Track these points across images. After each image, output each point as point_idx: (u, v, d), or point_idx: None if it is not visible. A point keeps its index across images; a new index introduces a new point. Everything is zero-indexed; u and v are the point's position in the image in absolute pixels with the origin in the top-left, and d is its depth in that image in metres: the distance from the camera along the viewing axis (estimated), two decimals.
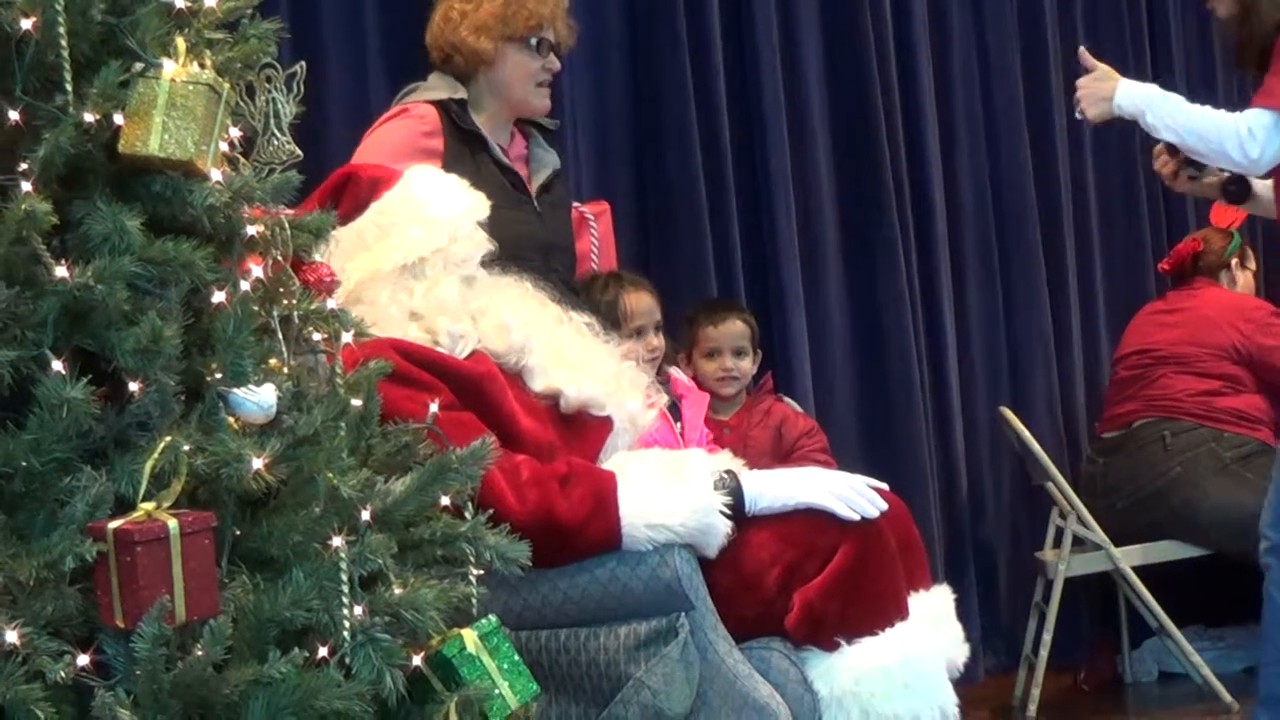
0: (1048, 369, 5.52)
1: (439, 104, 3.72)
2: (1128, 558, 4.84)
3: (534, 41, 3.79)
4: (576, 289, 3.82)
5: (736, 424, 4.36)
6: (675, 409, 3.81)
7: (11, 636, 1.91)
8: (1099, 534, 4.85)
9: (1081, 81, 3.83)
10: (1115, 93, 3.73)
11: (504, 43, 3.74)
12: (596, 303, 3.84)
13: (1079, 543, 4.90)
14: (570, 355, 3.05)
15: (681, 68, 4.71)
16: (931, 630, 2.92)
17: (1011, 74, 5.54)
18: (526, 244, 3.51)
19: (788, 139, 4.91)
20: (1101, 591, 5.23)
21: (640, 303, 4.05)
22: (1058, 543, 4.97)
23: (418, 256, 2.98)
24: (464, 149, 3.63)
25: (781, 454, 4.29)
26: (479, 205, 3.11)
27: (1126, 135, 5.63)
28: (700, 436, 3.79)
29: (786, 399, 4.56)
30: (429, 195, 3.06)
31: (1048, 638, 4.86)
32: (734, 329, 4.39)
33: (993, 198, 5.48)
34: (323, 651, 2.13)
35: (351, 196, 2.99)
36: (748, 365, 4.40)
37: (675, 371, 4.05)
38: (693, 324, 4.43)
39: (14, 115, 2.08)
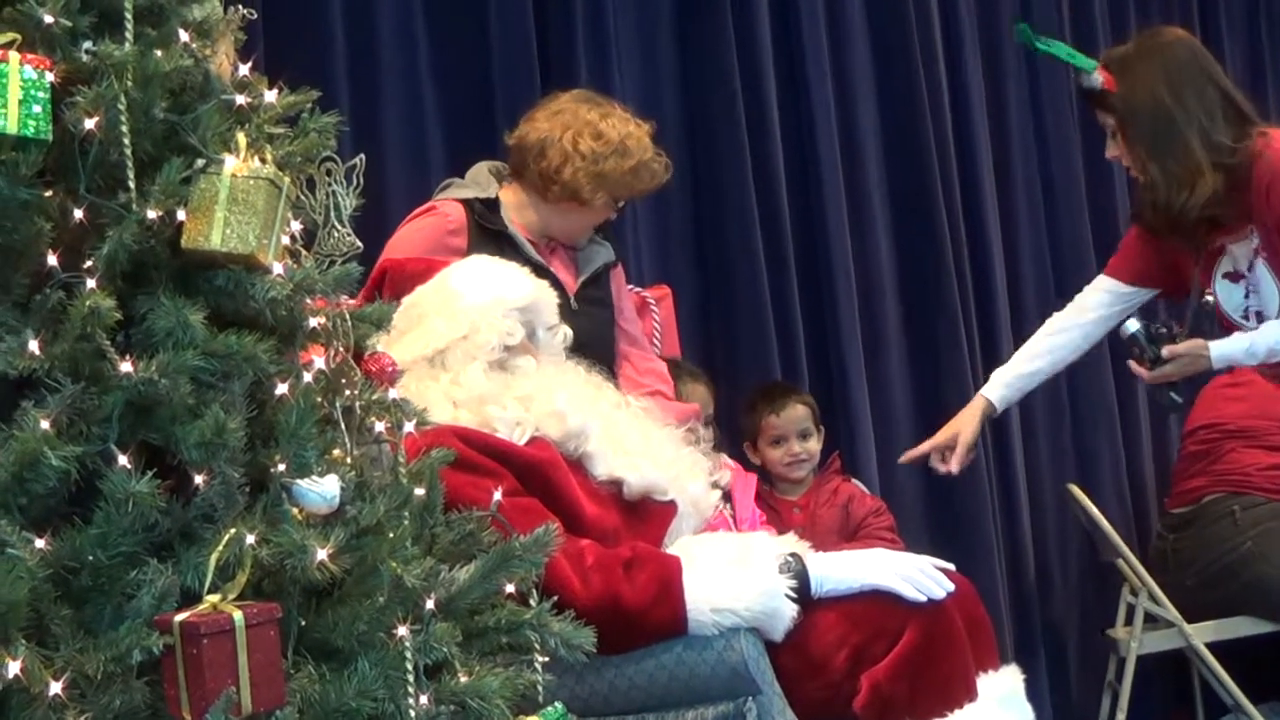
0: (1114, 445, 5.47)
1: (466, 202, 3.74)
2: (1200, 634, 4.78)
3: (622, 204, 3.85)
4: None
5: (805, 504, 4.37)
6: (725, 494, 3.81)
7: None
8: (1171, 611, 4.79)
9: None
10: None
11: (607, 198, 3.77)
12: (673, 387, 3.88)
13: (1151, 620, 4.84)
14: (630, 441, 3.06)
15: (740, 149, 4.72)
16: (1001, 711, 2.89)
17: (1069, 143, 5.52)
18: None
19: (847, 218, 4.91)
20: (1175, 669, 5.16)
21: (695, 394, 4.09)
22: (1129, 620, 4.91)
23: (434, 348, 3.00)
24: (489, 248, 3.59)
25: (849, 533, 4.29)
26: (516, 293, 3.13)
27: None
28: (753, 517, 3.78)
29: (853, 479, 4.55)
30: (464, 286, 3.09)
31: (1121, 717, 4.79)
32: (796, 414, 4.40)
33: (1054, 270, 5.44)
34: None
35: (390, 290, 3.02)
36: (814, 446, 4.41)
37: (722, 457, 4.05)
38: (753, 412, 4.44)
39: (79, 214, 2.10)
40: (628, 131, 3.74)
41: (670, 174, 3.88)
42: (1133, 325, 4.00)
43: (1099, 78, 3.85)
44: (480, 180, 3.81)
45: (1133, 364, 4.02)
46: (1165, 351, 3.91)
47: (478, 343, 3.05)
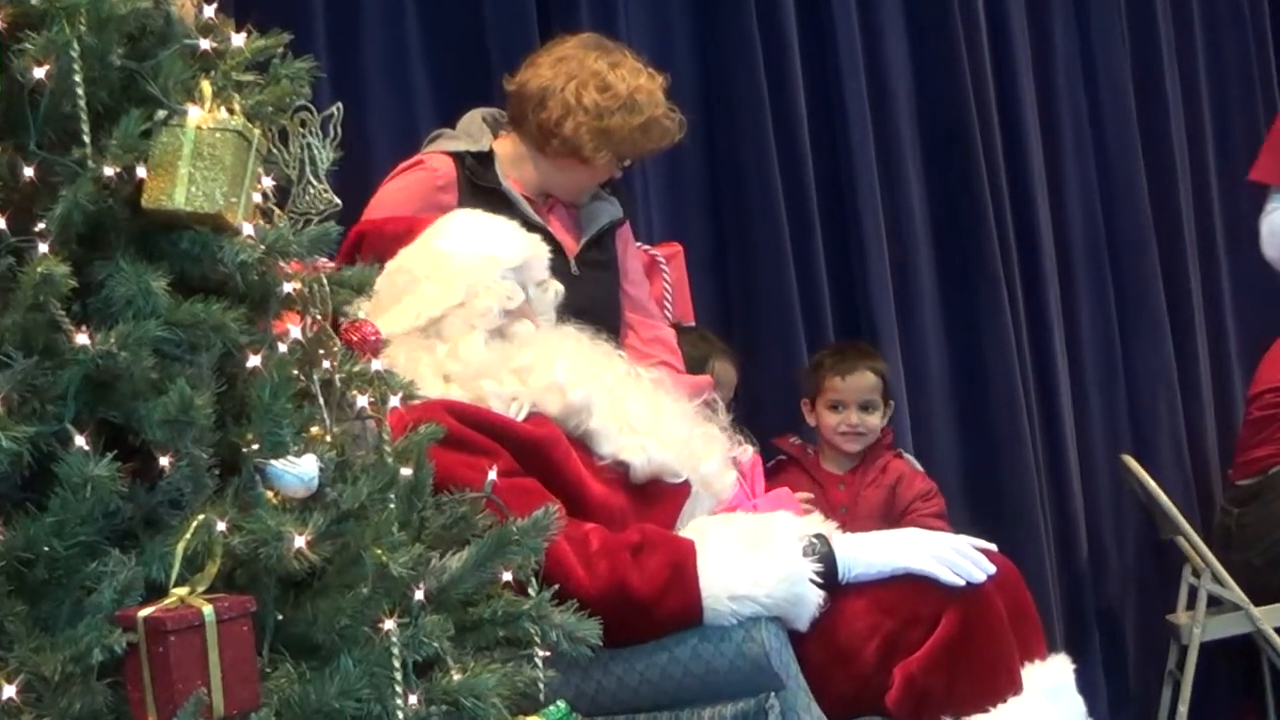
0: (1173, 411, 5.46)
1: (456, 156, 3.74)
2: (1270, 618, 4.78)
3: (629, 163, 3.85)
4: None
5: (851, 480, 4.41)
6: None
7: None
8: (1237, 592, 4.79)
9: None
10: None
11: (612, 156, 3.76)
12: (681, 356, 3.88)
13: (1215, 603, 4.85)
14: (637, 417, 3.05)
15: (758, 93, 4.71)
16: (1049, 705, 2.89)
17: (1121, 86, 5.50)
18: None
19: (877, 170, 4.90)
20: (1243, 656, 5.17)
21: (726, 374, 4.12)
22: (1191, 604, 4.92)
23: (428, 317, 3.00)
24: (482, 206, 3.54)
25: (894, 516, 4.32)
26: (510, 252, 3.13)
27: (1254, 144, 5.59)
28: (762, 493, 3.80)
29: (907, 455, 4.57)
30: (455, 245, 3.09)
31: (1184, 710, 4.81)
32: (863, 382, 4.42)
33: (1105, 223, 5.43)
34: None
35: (371, 255, 3.00)
36: (875, 421, 4.44)
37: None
38: (817, 371, 4.47)
39: (29, 172, 2.10)
40: (638, 84, 3.73)
41: (684, 132, 3.87)
42: None
43: None
44: (473, 131, 3.81)
45: None
46: None
47: (477, 309, 3.05)
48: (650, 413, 3.09)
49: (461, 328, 3.02)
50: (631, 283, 3.96)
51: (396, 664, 2.15)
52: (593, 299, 3.72)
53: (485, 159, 3.75)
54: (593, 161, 3.73)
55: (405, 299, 3.05)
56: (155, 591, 2.03)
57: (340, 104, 2.63)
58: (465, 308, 3.04)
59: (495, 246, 3.13)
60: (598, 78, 3.72)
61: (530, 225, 3.53)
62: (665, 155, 4.33)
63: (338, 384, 2.34)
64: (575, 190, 3.85)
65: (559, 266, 3.59)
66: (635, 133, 3.73)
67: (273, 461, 2.15)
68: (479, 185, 3.70)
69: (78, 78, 2.09)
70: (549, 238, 3.62)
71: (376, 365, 2.41)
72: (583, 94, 3.70)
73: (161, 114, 2.15)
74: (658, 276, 4.16)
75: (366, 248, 3.07)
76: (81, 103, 2.10)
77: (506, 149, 3.81)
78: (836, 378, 4.42)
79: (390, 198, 3.67)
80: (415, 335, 3.02)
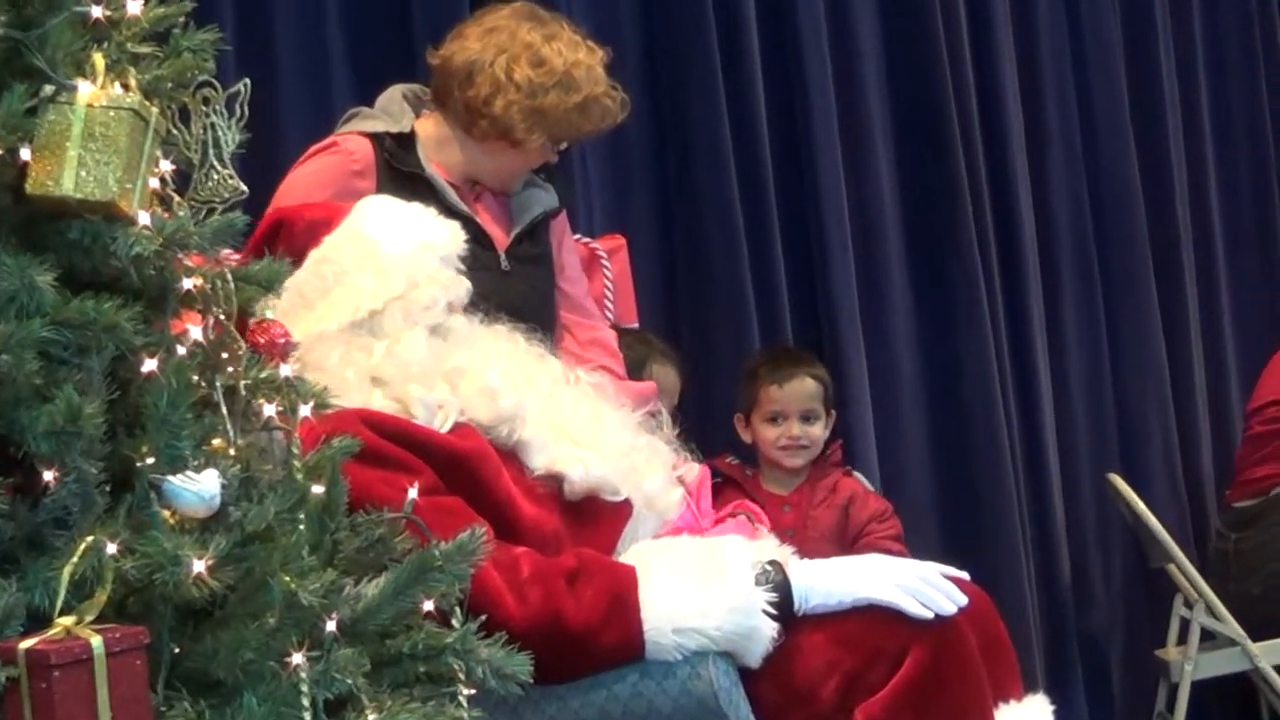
0: (1165, 426, 5.50)
1: (374, 137, 3.75)
2: (1268, 654, 4.83)
3: (565, 145, 3.86)
4: None
5: (797, 501, 4.40)
6: None
7: None
8: (1233, 626, 4.83)
9: None
10: None
11: (546, 139, 3.77)
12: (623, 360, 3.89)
13: (1208, 637, 4.89)
14: (575, 426, 3.06)
15: (712, 73, 4.72)
16: None
17: (1113, 61, 5.53)
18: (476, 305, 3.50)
19: (841, 154, 4.92)
20: (1238, 696, 5.21)
21: (667, 379, 4.12)
22: (1183, 638, 4.96)
23: (369, 310, 2.99)
24: (402, 192, 3.51)
25: (847, 539, 4.32)
26: (444, 238, 3.13)
27: (1257, 133, 5.64)
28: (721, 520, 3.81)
29: (857, 474, 4.58)
30: (383, 232, 3.09)
31: None
32: (803, 390, 4.42)
33: (1093, 217, 5.47)
34: None
35: (285, 246, 2.99)
36: (818, 431, 4.44)
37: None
38: (752, 380, 4.47)
39: None
40: (575, 59, 3.73)
41: (627, 112, 3.87)
42: None
43: None
44: (392, 110, 3.81)
45: None
46: None
47: (419, 301, 3.03)
48: (589, 421, 3.09)
49: (401, 323, 3.01)
50: (568, 279, 3.97)
51: (305, 702, 2.16)
52: (525, 296, 3.72)
53: (406, 141, 3.75)
54: (525, 144, 3.74)
55: (335, 292, 3.03)
56: (38, 621, 2.03)
57: (248, 80, 2.62)
58: (405, 300, 3.03)
59: (426, 232, 3.13)
60: (530, 51, 3.72)
61: (454, 214, 3.51)
62: (607, 138, 4.34)
63: (242, 391, 2.34)
64: (505, 176, 3.86)
65: (488, 261, 3.60)
66: (572, 112, 3.73)
67: (170, 477, 2.14)
68: (399, 170, 3.70)
69: None
70: (476, 228, 3.64)
71: (285, 370, 2.41)
72: (514, 69, 3.70)
73: (48, 90, 2.14)
74: (598, 272, 4.17)
75: (285, 237, 3.06)
76: None
77: (429, 130, 3.81)
78: (773, 387, 4.42)
79: (301, 183, 3.66)
80: (348, 332, 3.00)
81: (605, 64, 3.80)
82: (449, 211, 3.51)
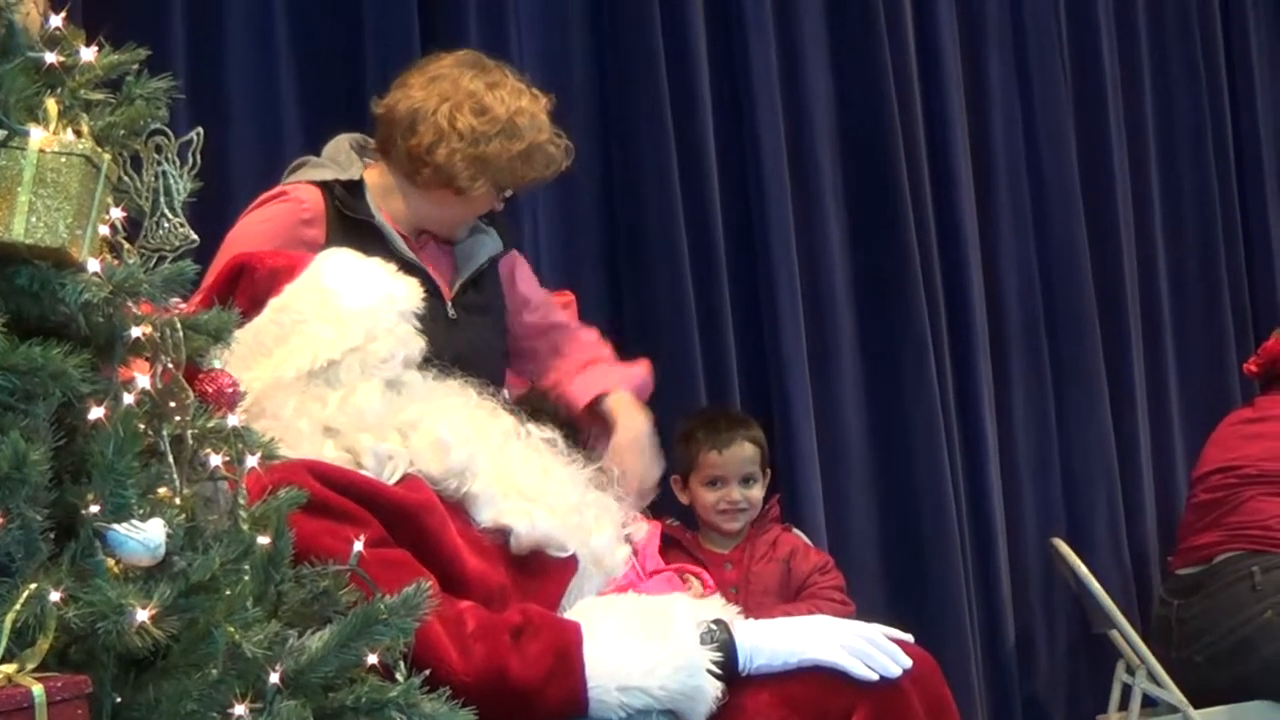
0: (1110, 492, 5.53)
1: (324, 185, 3.75)
2: None
3: (510, 193, 3.87)
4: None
5: (738, 558, 4.40)
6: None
7: None
8: (1175, 693, 4.84)
9: None
10: None
11: (490, 186, 3.77)
12: (555, 417, 3.86)
13: (1150, 703, 4.90)
14: (524, 481, 3.06)
15: (662, 127, 4.74)
16: None
17: (1063, 126, 5.57)
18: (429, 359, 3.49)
19: (792, 213, 4.94)
20: None
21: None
22: (1124, 704, 4.97)
23: (326, 360, 2.99)
24: (351, 241, 3.53)
25: (790, 593, 4.32)
26: (404, 293, 3.13)
27: (1205, 205, 5.68)
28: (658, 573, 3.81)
29: (795, 529, 4.58)
30: (341, 284, 3.09)
31: None
32: (742, 454, 4.43)
33: (1041, 284, 5.51)
34: None
35: (246, 292, 3.00)
36: (757, 494, 4.44)
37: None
38: (690, 443, 4.46)
39: None
40: (519, 106, 3.74)
41: (571, 159, 3.88)
42: None
43: None
44: (340, 159, 3.81)
45: None
46: None
47: (376, 354, 3.04)
48: (538, 476, 3.09)
49: (358, 374, 3.01)
50: (533, 310, 4.00)
51: None
52: (472, 345, 3.73)
53: (355, 188, 3.76)
54: (468, 192, 3.75)
55: (294, 340, 3.02)
56: None
57: (201, 129, 2.62)
58: (362, 352, 3.03)
59: (387, 285, 3.13)
60: (473, 99, 3.73)
61: (404, 264, 3.52)
62: (557, 190, 4.35)
63: (189, 440, 2.33)
64: (450, 225, 3.87)
65: (435, 311, 3.59)
66: (515, 160, 3.75)
67: (115, 525, 2.13)
68: (349, 217, 3.71)
69: None
70: (425, 277, 3.64)
71: (233, 420, 2.40)
72: (457, 117, 3.72)
73: (0, 134, 2.14)
74: None
75: (246, 283, 3.06)
76: None
77: (375, 179, 3.82)
78: (713, 452, 4.43)
79: (251, 230, 3.66)
80: (305, 381, 2.99)
81: (549, 111, 3.81)
82: (398, 259, 3.52)
